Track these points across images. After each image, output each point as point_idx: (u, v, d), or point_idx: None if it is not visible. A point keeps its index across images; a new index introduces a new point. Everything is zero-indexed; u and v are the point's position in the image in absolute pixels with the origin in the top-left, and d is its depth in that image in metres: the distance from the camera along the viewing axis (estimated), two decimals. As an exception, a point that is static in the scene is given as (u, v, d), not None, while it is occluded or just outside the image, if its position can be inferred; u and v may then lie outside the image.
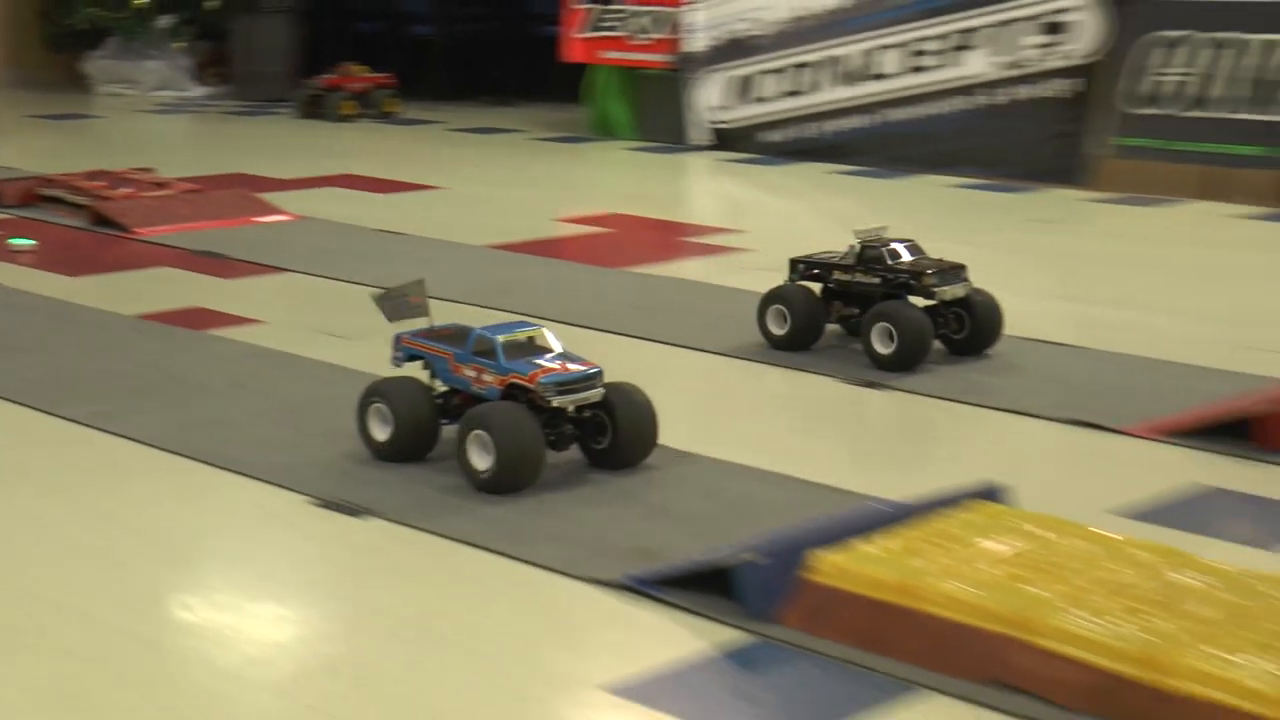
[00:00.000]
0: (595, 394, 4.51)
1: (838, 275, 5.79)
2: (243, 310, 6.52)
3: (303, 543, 4.12)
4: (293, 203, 9.08)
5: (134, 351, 5.93)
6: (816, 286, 5.85)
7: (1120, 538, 3.82)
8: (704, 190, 10.65)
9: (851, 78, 11.13)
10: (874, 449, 5.14)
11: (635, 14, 12.11)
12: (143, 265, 7.51)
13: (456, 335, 4.73)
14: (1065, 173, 10.36)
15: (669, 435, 4.85)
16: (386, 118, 13.28)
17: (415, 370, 4.73)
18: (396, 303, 4.68)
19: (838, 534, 3.68)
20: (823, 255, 5.92)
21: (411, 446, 4.57)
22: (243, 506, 4.34)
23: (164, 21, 15.25)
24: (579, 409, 4.50)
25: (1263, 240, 8.95)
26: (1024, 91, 10.53)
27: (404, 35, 15.07)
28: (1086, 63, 10.30)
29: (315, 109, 13.22)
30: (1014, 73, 10.54)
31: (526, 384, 4.43)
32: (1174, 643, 3.17)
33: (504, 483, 4.33)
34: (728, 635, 3.49)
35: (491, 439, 4.29)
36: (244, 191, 9.29)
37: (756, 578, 3.56)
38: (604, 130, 12.48)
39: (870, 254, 5.71)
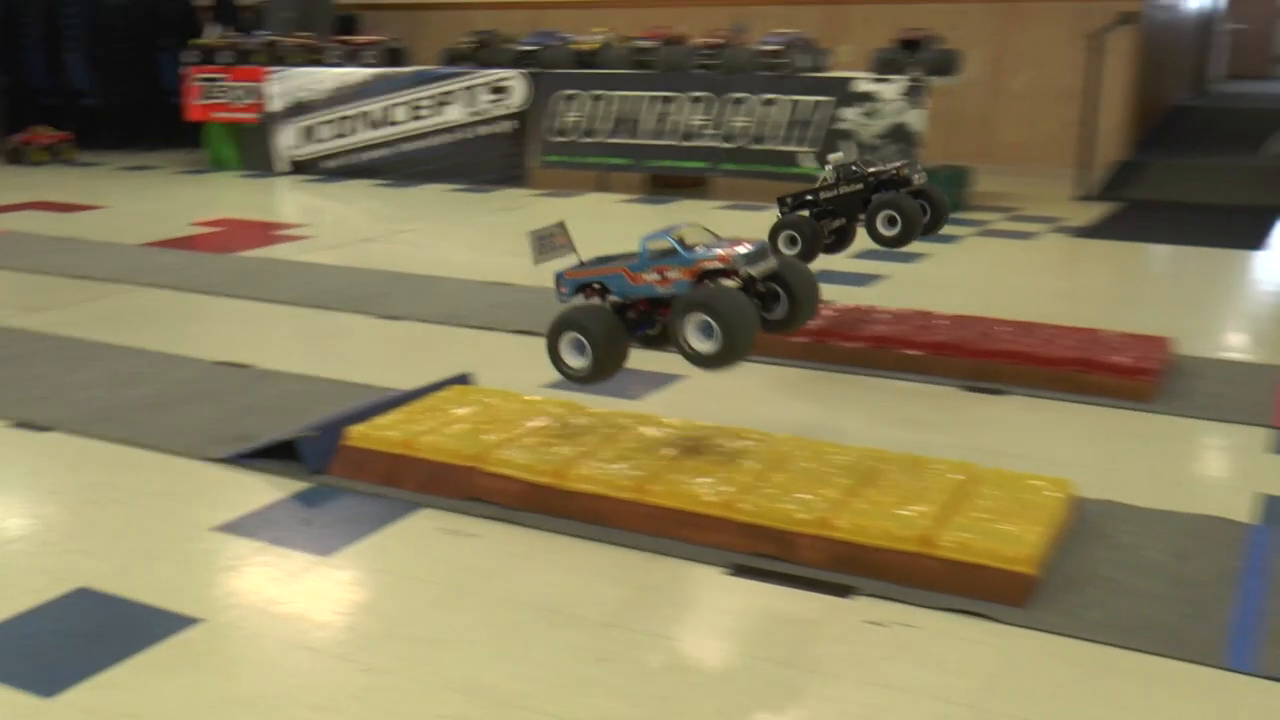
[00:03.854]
0: (773, 263, 3.34)
1: (824, 195, 4.88)
2: (-37, 298, 5.95)
3: (4, 450, 3.79)
4: (1, 223, 8.34)
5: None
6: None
7: (539, 398, 3.87)
8: (286, 201, 10.23)
9: (376, 124, 10.88)
10: (392, 358, 4.99)
11: (234, 87, 11.56)
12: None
13: (617, 256, 3.40)
14: (514, 179, 10.40)
15: (255, 358, 4.70)
16: (68, 163, 12.30)
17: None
18: (543, 241, 3.38)
19: (364, 414, 3.62)
20: (801, 190, 4.98)
21: (609, 367, 3.33)
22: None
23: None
24: (755, 282, 3.30)
25: (630, 214, 9.20)
26: (485, 129, 10.48)
27: (76, 105, 14.00)
28: (520, 111, 10.33)
29: (16, 158, 12.18)
30: (478, 118, 10.49)
31: (721, 264, 3.18)
32: (570, 460, 3.25)
33: (729, 358, 3.13)
34: (297, 486, 3.41)
35: (715, 320, 3.07)
36: (-36, 216, 8.51)
37: (313, 446, 3.48)
38: (219, 165, 11.85)
39: (848, 171, 4.86)
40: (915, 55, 9.23)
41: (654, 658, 2.50)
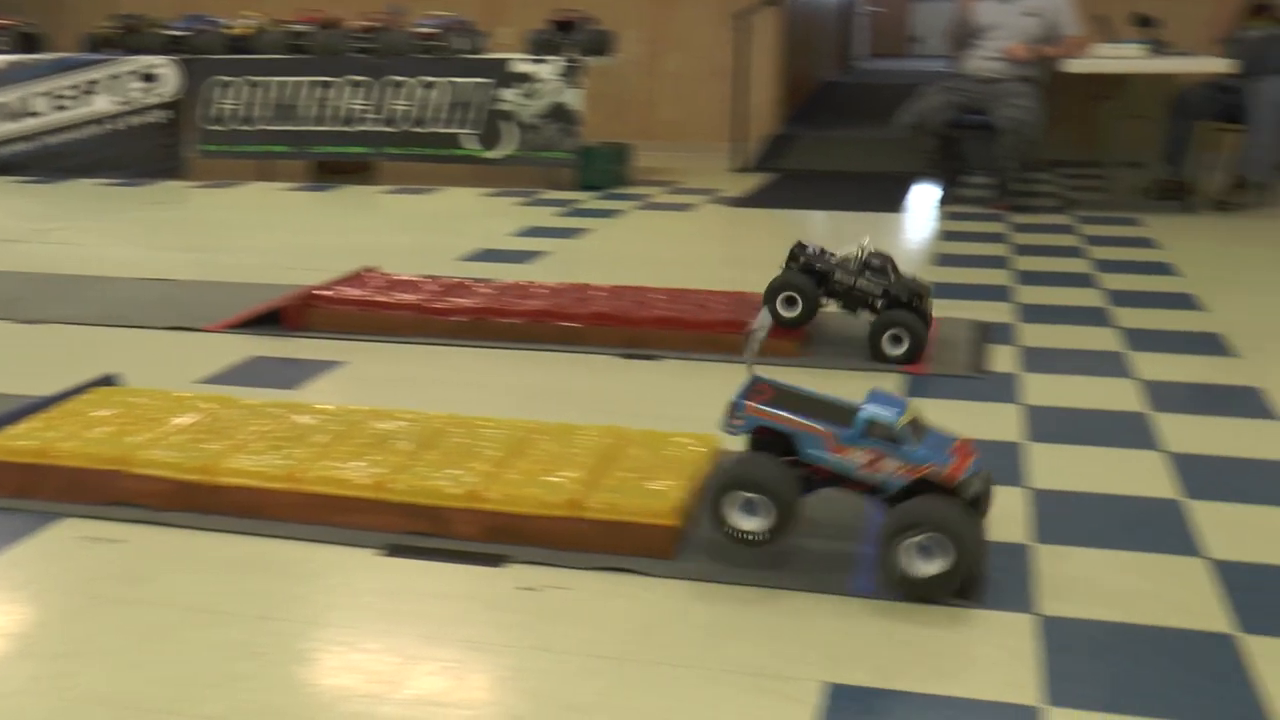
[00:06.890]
0: (986, 476, 2.70)
1: (839, 276, 4.46)
2: None
3: None
4: None
5: None
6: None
7: (190, 395, 3.70)
8: (-84, 202, 9.38)
9: (15, 116, 10.10)
10: (35, 364, 4.64)
11: None
12: None
13: (817, 406, 2.73)
14: (170, 171, 9.91)
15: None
16: None
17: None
18: (754, 342, 2.78)
19: (-5, 424, 3.39)
20: (820, 252, 4.56)
21: (786, 532, 2.71)
22: None
23: None
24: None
25: (294, 203, 8.95)
26: (136, 119, 9.92)
27: None
28: (174, 100, 9.85)
29: None
30: (127, 108, 9.92)
31: (946, 482, 2.58)
32: (220, 455, 3.14)
33: (952, 589, 2.54)
34: (-81, 504, 3.14)
35: (952, 545, 2.49)
36: None
37: (-64, 462, 3.22)
38: None
39: (875, 264, 4.44)
40: (570, 36, 9.38)
41: (308, 646, 2.46)
